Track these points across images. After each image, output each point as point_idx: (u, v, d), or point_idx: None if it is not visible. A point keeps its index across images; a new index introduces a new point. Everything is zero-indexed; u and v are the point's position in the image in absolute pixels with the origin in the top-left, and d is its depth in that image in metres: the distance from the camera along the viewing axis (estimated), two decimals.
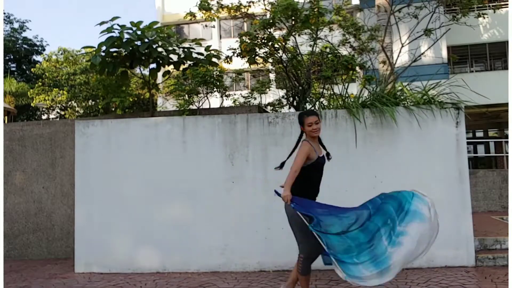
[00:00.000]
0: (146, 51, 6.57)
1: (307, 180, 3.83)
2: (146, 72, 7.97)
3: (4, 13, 28.57)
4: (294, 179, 3.68)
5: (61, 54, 19.06)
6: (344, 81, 7.26)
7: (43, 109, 18.67)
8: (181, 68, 7.39)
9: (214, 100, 8.27)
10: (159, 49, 6.81)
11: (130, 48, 6.58)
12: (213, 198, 5.48)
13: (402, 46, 9.52)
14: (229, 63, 7.91)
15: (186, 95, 7.39)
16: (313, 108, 7.20)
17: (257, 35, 7.01)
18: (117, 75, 7.42)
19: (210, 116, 5.70)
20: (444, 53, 17.79)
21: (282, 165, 3.97)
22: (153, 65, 7.20)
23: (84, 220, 5.67)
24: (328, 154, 4.02)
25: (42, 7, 66.98)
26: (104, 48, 6.61)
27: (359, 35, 9.00)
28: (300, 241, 3.82)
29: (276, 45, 7.12)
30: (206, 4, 8.71)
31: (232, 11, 8.90)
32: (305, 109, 7.07)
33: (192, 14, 9.28)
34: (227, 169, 5.52)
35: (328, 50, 7.73)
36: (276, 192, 3.76)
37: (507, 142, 13.94)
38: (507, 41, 17.84)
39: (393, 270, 3.60)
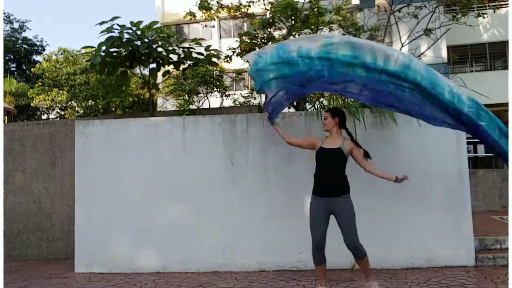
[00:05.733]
0: (146, 51, 6.57)
1: (315, 170, 4.10)
2: (146, 72, 7.97)
3: (4, 13, 28.58)
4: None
5: (61, 54, 19.08)
6: None
7: (43, 109, 18.68)
8: (181, 68, 7.38)
9: (214, 100, 8.26)
10: (159, 49, 6.81)
11: (130, 48, 6.57)
12: (213, 198, 5.48)
13: (402, 46, 9.52)
14: (229, 63, 7.90)
15: (186, 95, 7.38)
16: (312, 108, 7.20)
17: (257, 35, 7.01)
18: (117, 75, 7.41)
19: (210, 116, 5.70)
20: (444, 53, 17.78)
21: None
22: (153, 65, 7.19)
23: (84, 220, 5.67)
24: (366, 153, 4.11)
25: (42, 7, 67.00)
26: (104, 48, 6.60)
27: (359, 35, 8.99)
28: (355, 232, 3.92)
29: None
30: (206, 4, 8.72)
31: (232, 10, 8.92)
32: (305, 109, 7.07)
33: (192, 14, 9.29)
34: (227, 169, 5.51)
35: None
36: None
37: None
38: (507, 41, 17.84)
39: None
